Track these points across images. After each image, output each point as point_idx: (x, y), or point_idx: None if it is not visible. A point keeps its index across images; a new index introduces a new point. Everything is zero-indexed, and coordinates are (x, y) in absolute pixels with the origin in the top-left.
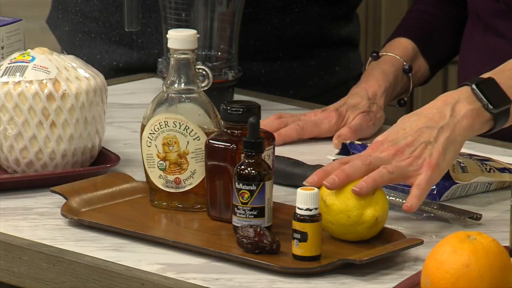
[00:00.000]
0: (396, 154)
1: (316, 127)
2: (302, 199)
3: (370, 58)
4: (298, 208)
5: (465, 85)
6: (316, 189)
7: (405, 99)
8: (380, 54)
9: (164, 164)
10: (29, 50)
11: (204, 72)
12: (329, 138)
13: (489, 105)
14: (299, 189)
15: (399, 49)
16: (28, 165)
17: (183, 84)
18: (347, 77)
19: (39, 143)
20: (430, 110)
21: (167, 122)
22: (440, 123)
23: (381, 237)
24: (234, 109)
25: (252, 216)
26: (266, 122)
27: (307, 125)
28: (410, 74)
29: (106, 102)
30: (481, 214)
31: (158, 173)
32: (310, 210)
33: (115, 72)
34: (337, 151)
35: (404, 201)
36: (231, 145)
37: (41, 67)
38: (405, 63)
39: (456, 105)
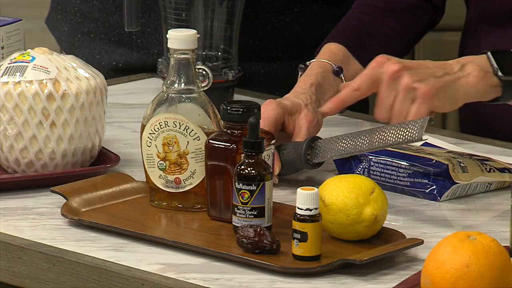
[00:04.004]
0: (396, 73)
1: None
2: (302, 199)
3: (299, 72)
4: (298, 208)
5: (483, 53)
6: (316, 189)
7: None
8: (307, 63)
9: (164, 164)
10: (29, 50)
11: (204, 72)
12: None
13: (498, 71)
14: (299, 189)
15: (327, 54)
16: (28, 165)
17: (183, 84)
18: None
19: (39, 143)
20: (441, 62)
21: (167, 122)
22: (446, 70)
23: (381, 237)
24: (234, 109)
25: (252, 216)
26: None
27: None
28: (342, 76)
29: (106, 102)
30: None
31: (158, 173)
32: (310, 210)
33: (114, 72)
34: None
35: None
36: (231, 145)
37: (41, 67)
38: (334, 65)
39: (466, 64)
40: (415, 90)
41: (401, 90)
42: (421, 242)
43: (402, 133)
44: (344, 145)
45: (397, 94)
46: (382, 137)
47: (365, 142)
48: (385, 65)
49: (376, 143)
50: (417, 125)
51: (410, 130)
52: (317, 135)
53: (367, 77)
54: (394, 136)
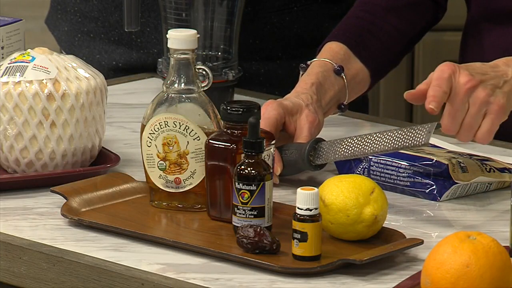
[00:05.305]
0: (472, 87)
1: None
2: (302, 199)
3: (300, 71)
4: (298, 208)
5: None
6: (316, 189)
7: (345, 103)
8: (308, 62)
9: (164, 164)
10: (29, 50)
11: (204, 72)
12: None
13: None
14: (299, 189)
15: (328, 53)
16: (28, 165)
17: (183, 84)
18: None
19: (39, 143)
20: (493, 65)
21: (167, 122)
22: (504, 78)
23: (381, 237)
24: (234, 109)
25: (252, 216)
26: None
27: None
28: (343, 75)
29: (106, 102)
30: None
31: (158, 173)
32: (310, 210)
33: (114, 72)
34: None
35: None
36: (231, 145)
37: (41, 67)
38: (335, 64)
39: None
40: (489, 104)
41: (476, 104)
42: (421, 242)
43: (409, 137)
44: (348, 147)
45: (470, 108)
46: (388, 141)
47: (370, 145)
48: (456, 75)
49: (382, 147)
50: (424, 130)
51: (417, 135)
52: (318, 135)
53: (443, 93)
54: (401, 140)
